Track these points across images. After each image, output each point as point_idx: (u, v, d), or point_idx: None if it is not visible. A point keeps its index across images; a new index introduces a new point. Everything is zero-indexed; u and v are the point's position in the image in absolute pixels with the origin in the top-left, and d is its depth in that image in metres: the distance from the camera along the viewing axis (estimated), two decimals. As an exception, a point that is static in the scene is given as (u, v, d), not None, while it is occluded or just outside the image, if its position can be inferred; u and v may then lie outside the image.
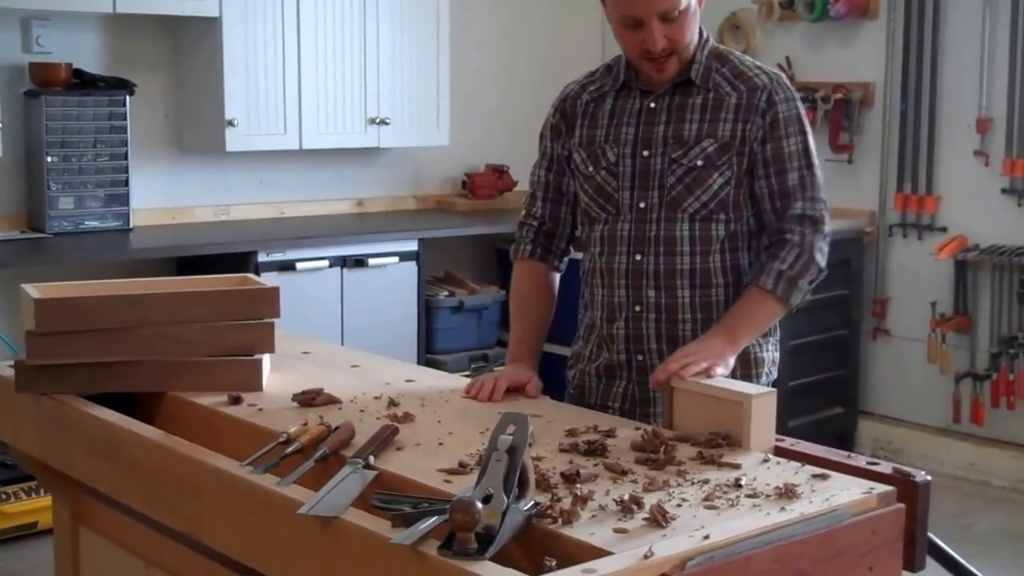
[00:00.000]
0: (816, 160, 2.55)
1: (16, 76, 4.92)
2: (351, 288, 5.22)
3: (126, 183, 5.02)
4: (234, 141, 5.15)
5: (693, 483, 1.91)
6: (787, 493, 1.85)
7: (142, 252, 4.92)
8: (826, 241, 2.53)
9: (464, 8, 6.05)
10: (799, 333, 5.25)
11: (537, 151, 2.73)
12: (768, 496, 1.85)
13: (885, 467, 2.00)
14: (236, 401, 2.39)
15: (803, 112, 2.55)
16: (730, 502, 1.82)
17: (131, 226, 5.06)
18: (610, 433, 2.17)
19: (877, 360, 5.81)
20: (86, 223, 4.95)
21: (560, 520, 1.72)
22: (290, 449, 2.04)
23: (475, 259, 6.18)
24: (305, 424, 2.14)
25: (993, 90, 5.31)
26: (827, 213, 2.54)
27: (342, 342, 5.07)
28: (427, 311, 5.49)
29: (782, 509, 1.79)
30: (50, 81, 4.84)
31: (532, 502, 1.75)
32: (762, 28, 6.05)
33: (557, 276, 2.75)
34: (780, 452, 2.10)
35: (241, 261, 4.83)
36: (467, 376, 3.03)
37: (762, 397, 2.12)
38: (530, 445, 1.87)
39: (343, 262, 5.19)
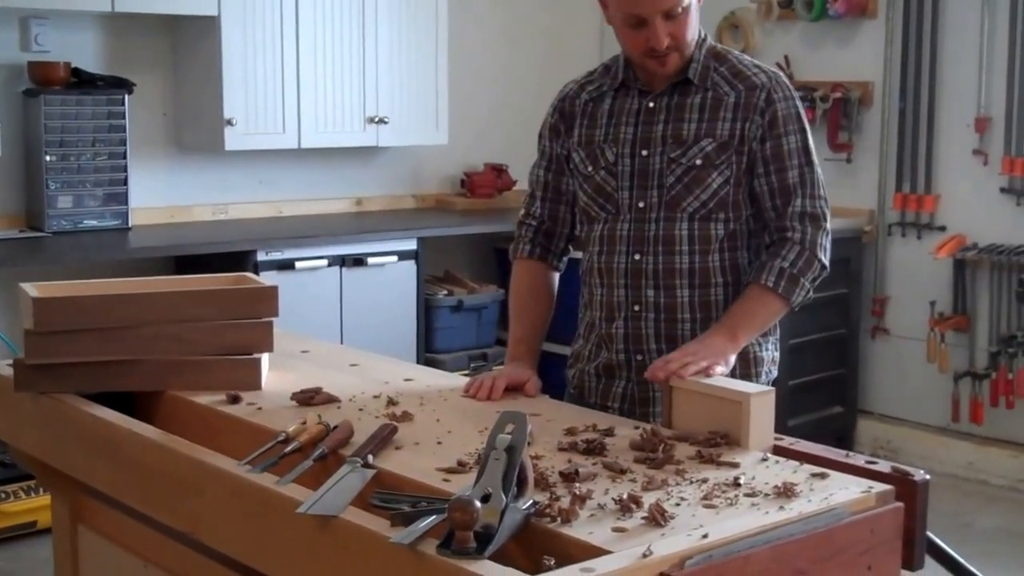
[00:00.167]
0: (816, 158, 2.54)
1: (15, 75, 4.92)
2: (350, 287, 5.22)
3: (125, 182, 5.02)
4: (233, 140, 5.15)
5: (692, 482, 1.91)
6: (786, 492, 1.85)
7: (141, 251, 4.92)
8: (828, 238, 2.53)
9: (463, 7, 6.05)
10: (798, 332, 5.25)
11: (536, 150, 2.73)
12: (767, 495, 1.85)
13: (884, 466, 2.00)
14: (235, 400, 2.39)
15: (802, 110, 2.55)
16: (729, 501, 1.82)
17: (130, 225, 5.06)
18: (609, 432, 2.17)
19: (876, 359, 5.81)
20: (85, 222, 4.95)
21: (559, 519, 1.73)
22: (289, 448, 2.04)
23: (474, 258, 6.18)
24: (304, 423, 2.13)
25: (992, 89, 5.31)
26: (828, 210, 2.54)
27: (341, 341, 5.07)
28: (426, 310, 5.49)
29: (781, 508, 1.79)
30: (49, 80, 4.84)
31: (531, 501, 1.75)
32: (761, 27, 6.05)
33: (556, 275, 2.75)
34: (779, 451, 2.10)
35: (240, 260, 4.82)
36: (466, 375, 3.02)
37: (761, 396, 2.12)
38: (529, 444, 1.87)
39: (342, 261, 5.19)
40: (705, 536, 1.66)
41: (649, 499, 1.78)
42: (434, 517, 1.66)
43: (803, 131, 2.53)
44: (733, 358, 2.41)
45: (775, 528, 1.73)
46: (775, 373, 2.64)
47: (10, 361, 2.54)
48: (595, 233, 2.60)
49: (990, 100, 5.32)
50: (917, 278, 5.60)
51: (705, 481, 1.91)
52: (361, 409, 2.32)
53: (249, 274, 2.82)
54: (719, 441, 2.09)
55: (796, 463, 2.01)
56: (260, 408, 2.35)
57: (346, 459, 1.96)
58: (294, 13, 5.27)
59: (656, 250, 2.52)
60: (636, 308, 2.55)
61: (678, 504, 1.80)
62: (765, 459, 2.04)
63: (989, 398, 5.31)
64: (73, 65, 4.93)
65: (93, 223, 4.97)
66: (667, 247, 2.52)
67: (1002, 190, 5.31)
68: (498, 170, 6.16)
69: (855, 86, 5.71)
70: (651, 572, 1.57)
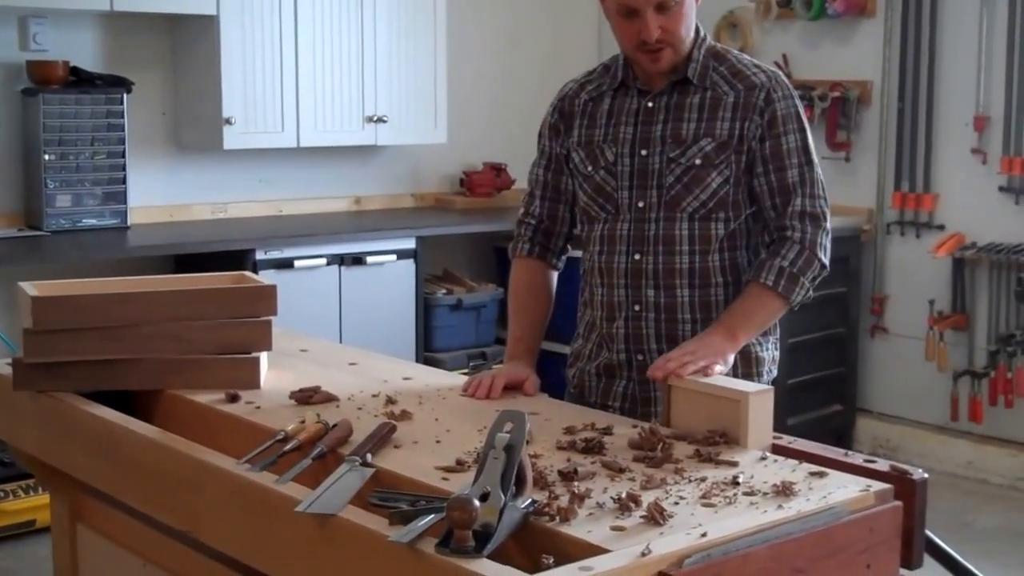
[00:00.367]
0: (815, 157, 2.54)
1: (13, 74, 4.92)
2: (349, 286, 5.22)
3: (123, 181, 5.02)
4: (232, 139, 5.15)
5: (691, 481, 1.91)
6: (784, 491, 1.85)
7: (139, 250, 4.92)
8: (827, 238, 2.53)
9: (462, 6, 6.05)
10: (797, 331, 5.25)
11: (535, 149, 2.73)
12: (765, 494, 1.85)
13: (882, 465, 2.00)
14: (234, 399, 2.39)
15: (801, 110, 2.55)
16: (727, 500, 1.82)
17: (128, 224, 5.05)
18: (608, 431, 2.17)
19: (875, 358, 5.81)
20: (83, 221, 4.95)
21: (557, 518, 1.73)
22: (288, 447, 2.04)
23: (473, 257, 6.18)
24: (303, 422, 2.13)
25: (990, 88, 5.31)
26: (828, 209, 2.54)
27: (340, 340, 5.07)
28: (425, 309, 5.49)
29: (779, 507, 1.79)
30: (47, 79, 4.84)
31: (529, 500, 1.75)
32: (759, 26, 6.05)
33: (555, 275, 2.75)
34: (777, 450, 2.10)
35: (239, 259, 4.82)
36: (465, 374, 3.03)
37: (759, 395, 2.12)
38: (527, 443, 1.87)
39: (341, 260, 5.19)
40: (704, 535, 1.66)
41: (648, 498, 1.78)
42: (433, 516, 1.66)
43: (803, 130, 2.53)
44: (732, 357, 2.41)
45: (774, 527, 1.73)
46: (775, 372, 2.64)
47: (9, 360, 2.54)
48: (595, 233, 2.60)
49: (989, 99, 5.32)
50: (916, 277, 5.60)
51: (704, 480, 1.91)
52: (360, 408, 2.32)
53: (248, 273, 2.82)
54: (718, 440, 2.09)
55: (795, 462, 2.02)
56: (259, 407, 2.35)
57: (345, 458, 1.96)
58: (293, 12, 5.27)
59: (656, 250, 2.52)
60: (636, 308, 2.55)
61: (677, 503, 1.80)
62: (764, 458, 2.04)
63: (988, 397, 5.31)
64: (72, 64, 4.93)
65: (92, 222, 4.97)
66: (667, 247, 2.52)
67: (1001, 189, 5.31)
68: (497, 169, 6.16)
69: (854, 85, 5.71)
70: (650, 571, 1.57)
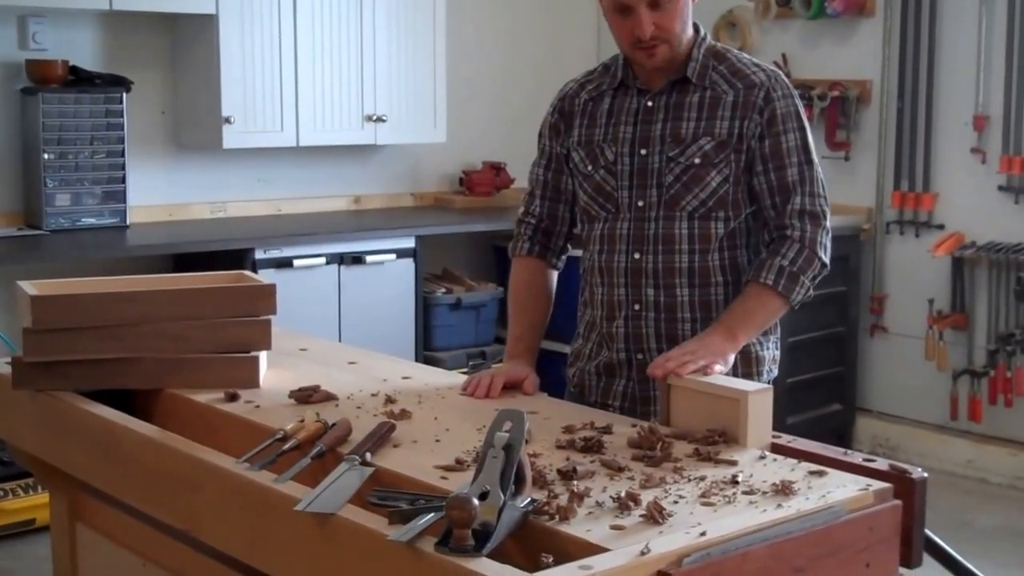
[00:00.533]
0: (815, 156, 2.54)
1: (13, 73, 4.92)
2: (348, 285, 5.22)
3: (123, 180, 5.02)
4: (231, 138, 5.15)
5: (690, 480, 1.91)
6: (784, 490, 1.85)
7: (139, 249, 4.92)
8: (828, 236, 2.52)
9: (461, 5, 6.05)
10: (797, 330, 5.25)
11: (534, 148, 2.73)
12: (765, 493, 1.85)
13: (882, 464, 2.00)
14: (233, 398, 2.39)
15: (801, 108, 2.55)
16: (727, 499, 1.82)
17: (128, 223, 5.05)
18: (607, 430, 2.17)
19: (875, 357, 5.81)
20: (83, 220, 4.95)
21: (557, 517, 1.73)
22: (287, 446, 2.04)
23: (472, 256, 6.18)
24: (302, 421, 2.13)
25: (990, 87, 5.31)
26: (828, 208, 2.53)
27: (339, 339, 5.06)
28: (424, 308, 5.49)
29: (779, 506, 1.79)
30: (47, 78, 4.84)
31: (529, 499, 1.75)
32: (758, 25, 6.04)
33: (555, 274, 2.75)
34: (777, 449, 2.10)
35: (238, 258, 4.82)
36: (464, 373, 3.03)
37: (758, 394, 2.12)
38: (527, 442, 1.87)
39: (340, 259, 5.19)
40: (703, 534, 1.66)
41: (647, 497, 1.78)
42: (432, 515, 1.66)
43: (802, 129, 2.53)
44: (733, 357, 2.41)
45: (773, 526, 1.73)
46: (776, 372, 2.64)
47: (8, 359, 2.54)
48: (595, 232, 2.60)
49: (988, 98, 5.32)
50: (915, 276, 5.60)
51: (703, 479, 1.91)
52: (359, 407, 2.32)
53: (247, 272, 2.82)
54: (717, 439, 2.09)
55: (794, 461, 2.01)
56: (258, 406, 2.35)
57: (344, 457, 1.96)
58: (292, 11, 5.27)
59: (656, 249, 2.52)
60: (636, 307, 2.54)
61: (676, 502, 1.80)
62: (763, 457, 2.04)
63: (987, 396, 5.31)
64: (71, 63, 4.93)
65: (91, 221, 4.97)
66: (667, 246, 2.52)
67: (1000, 188, 5.31)
68: (496, 168, 6.16)
69: (853, 84, 5.71)
70: (649, 570, 1.57)
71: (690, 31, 2.52)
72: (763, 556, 1.68)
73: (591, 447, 2.06)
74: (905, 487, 1.94)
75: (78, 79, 4.92)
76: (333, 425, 2.12)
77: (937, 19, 5.46)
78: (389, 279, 5.33)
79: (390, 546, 1.62)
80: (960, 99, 5.40)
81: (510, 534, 1.68)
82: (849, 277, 5.67)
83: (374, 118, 5.58)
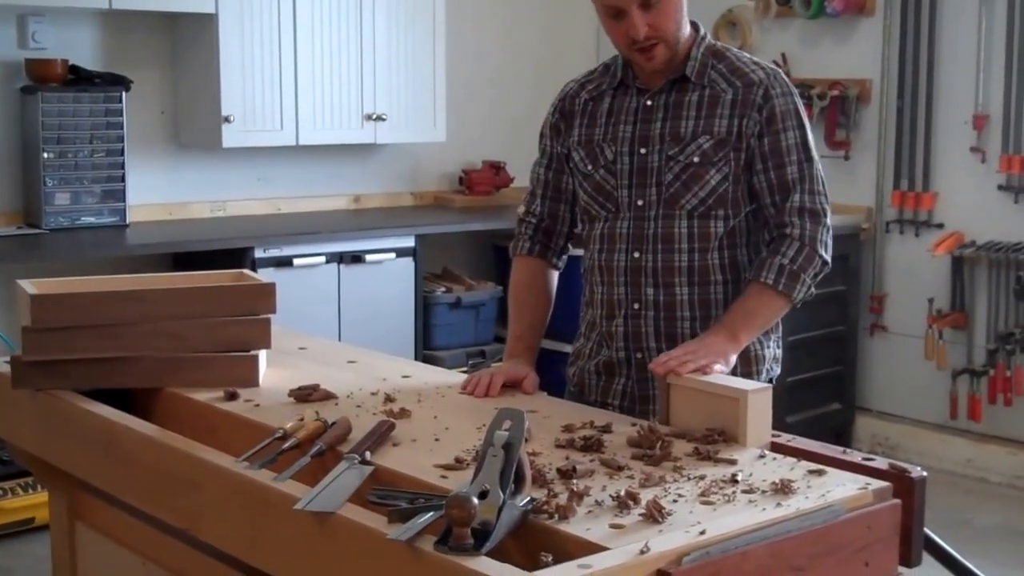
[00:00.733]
0: (815, 154, 2.54)
1: (12, 72, 4.92)
2: (348, 284, 5.22)
3: (122, 179, 5.02)
4: (230, 137, 5.15)
5: (689, 479, 1.91)
6: (783, 489, 1.85)
7: (138, 248, 4.92)
8: (828, 234, 2.52)
9: (460, 4, 6.05)
10: (796, 329, 5.25)
11: (534, 148, 2.73)
12: (764, 492, 1.85)
13: (881, 463, 2.00)
14: (232, 397, 2.39)
15: (801, 106, 2.54)
16: (726, 498, 1.82)
17: (127, 222, 5.05)
18: (606, 429, 2.17)
19: (874, 356, 5.81)
20: (82, 219, 4.95)
21: (556, 516, 1.73)
22: (286, 445, 2.04)
23: (472, 255, 6.18)
24: (301, 420, 2.13)
25: (989, 87, 5.31)
26: (828, 206, 2.53)
27: (339, 338, 5.06)
28: (424, 307, 5.48)
29: (778, 505, 1.79)
30: (46, 77, 4.84)
31: (528, 498, 1.75)
32: (758, 25, 6.05)
33: (555, 273, 2.75)
34: (776, 448, 2.10)
35: (238, 257, 4.82)
36: (464, 372, 3.03)
37: (758, 393, 2.12)
38: (526, 441, 1.87)
39: (340, 258, 5.19)
40: (702, 533, 1.66)
41: (646, 496, 1.78)
42: (431, 514, 1.66)
43: (802, 127, 2.52)
44: (734, 358, 2.41)
45: (772, 525, 1.73)
46: (777, 371, 2.64)
47: (7, 358, 2.54)
48: (596, 231, 2.60)
49: (988, 97, 5.32)
50: (915, 275, 5.60)
51: (703, 478, 1.91)
52: (359, 406, 2.32)
53: (247, 271, 2.82)
54: (717, 438, 2.09)
55: (793, 460, 2.01)
56: (258, 405, 2.35)
57: (344, 456, 1.96)
58: (292, 10, 5.27)
59: (655, 248, 2.52)
60: (636, 306, 2.54)
61: (675, 501, 1.80)
62: (763, 456, 2.04)
63: (987, 395, 5.31)
64: (71, 62, 4.93)
65: (91, 220, 4.97)
66: (666, 245, 2.52)
67: (999, 187, 5.31)
68: (496, 167, 6.16)
69: (853, 84, 5.71)
70: (648, 569, 1.57)
71: (687, 30, 2.52)
72: (762, 555, 1.68)
73: (590, 446, 2.06)
74: (904, 486, 1.94)
75: (78, 78, 4.92)
76: (333, 424, 2.12)
77: (937, 18, 5.46)
78: (389, 278, 5.33)
79: (389, 545, 1.62)
80: (960, 98, 5.41)
81: (509, 533, 1.68)
82: (849, 276, 5.68)
83: (374, 117, 5.58)
